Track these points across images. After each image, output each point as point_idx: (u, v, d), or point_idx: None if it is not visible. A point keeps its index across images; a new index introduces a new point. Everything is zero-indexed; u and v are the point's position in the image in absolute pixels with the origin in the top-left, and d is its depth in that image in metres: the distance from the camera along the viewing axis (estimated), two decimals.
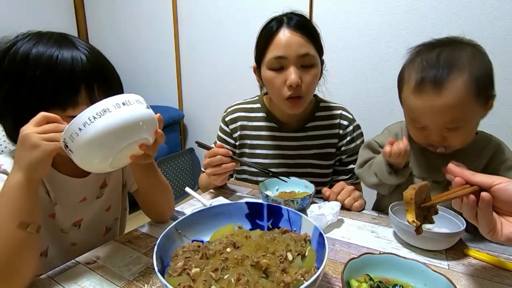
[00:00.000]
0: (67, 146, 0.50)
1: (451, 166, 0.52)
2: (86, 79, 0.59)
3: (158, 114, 0.59)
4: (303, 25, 0.90)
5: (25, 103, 0.57)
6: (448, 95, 0.65)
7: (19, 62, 0.57)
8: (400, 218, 0.66)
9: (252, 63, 1.00)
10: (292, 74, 0.87)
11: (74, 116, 0.49)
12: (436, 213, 0.54)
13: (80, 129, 0.48)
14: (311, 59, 0.90)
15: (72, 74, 0.58)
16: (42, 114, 0.52)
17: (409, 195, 0.49)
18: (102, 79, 0.62)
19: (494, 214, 0.47)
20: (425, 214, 0.52)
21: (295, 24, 0.89)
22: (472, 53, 0.68)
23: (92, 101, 0.59)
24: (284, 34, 0.88)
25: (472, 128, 0.72)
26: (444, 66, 0.67)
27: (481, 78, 0.66)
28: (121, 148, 0.53)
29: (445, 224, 0.69)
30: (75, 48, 0.60)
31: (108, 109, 0.49)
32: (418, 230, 0.50)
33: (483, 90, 0.67)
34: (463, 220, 0.65)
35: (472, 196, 0.47)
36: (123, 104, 0.51)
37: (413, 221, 0.49)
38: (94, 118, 0.48)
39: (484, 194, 0.46)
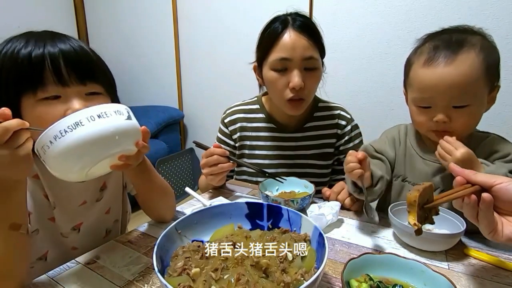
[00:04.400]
0: (40, 156, 0.48)
1: (453, 165, 0.52)
2: (49, 58, 0.56)
3: (144, 127, 0.57)
4: (308, 27, 0.90)
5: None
6: (460, 63, 0.66)
7: None
8: (399, 219, 0.66)
9: (252, 61, 1.00)
10: (295, 77, 0.87)
11: (46, 98, 0.48)
12: (437, 213, 0.54)
13: (51, 142, 0.46)
14: (315, 63, 0.90)
15: (33, 55, 0.55)
16: (2, 126, 0.46)
17: (413, 197, 0.49)
18: (72, 60, 0.58)
19: (495, 214, 0.47)
20: (426, 215, 0.52)
21: (300, 25, 0.88)
22: (482, 38, 0.70)
23: (60, 81, 0.56)
24: (290, 36, 0.87)
25: (477, 113, 0.70)
26: (457, 43, 0.68)
27: (490, 59, 0.67)
28: (97, 161, 0.51)
29: (445, 225, 0.69)
30: (47, 38, 0.58)
31: (80, 122, 0.46)
32: (419, 231, 0.50)
33: (492, 72, 0.67)
34: (463, 221, 0.65)
35: (473, 196, 0.47)
36: (98, 116, 0.48)
37: (415, 224, 0.49)
38: (65, 131, 0.46)
39: (485, 195, 0.46)
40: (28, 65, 0.55)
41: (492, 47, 0.69)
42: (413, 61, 0.75)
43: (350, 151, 0.72)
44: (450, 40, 0.69)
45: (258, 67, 0.97)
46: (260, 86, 1.05)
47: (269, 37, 0.91)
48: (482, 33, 0.71)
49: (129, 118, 0.53)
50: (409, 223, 0.50)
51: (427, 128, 0.74)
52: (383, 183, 0.73)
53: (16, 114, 0.53)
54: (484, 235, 0.49)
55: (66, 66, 0.57)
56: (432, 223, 0.54)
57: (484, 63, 0.66)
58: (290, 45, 0.87)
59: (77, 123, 0.46)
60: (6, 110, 0.45)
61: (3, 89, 0.56)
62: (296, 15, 0.92)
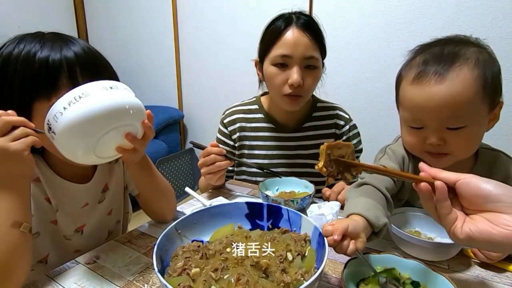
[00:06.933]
0: (50, 129, 0.48)
1: (422, 164, 0.47)
2: (66, 64, 0.57)
3: (149, 111, 0.59)
4: (311, 26, 0.91)
5: (10, 99, 0.56)
6: (451, 81, 0.58)
7: (1, 62, 0.57)
8: (397, 227, 0.64)
9: (254, 58, 1.01)
10: (295, 74, 0.88)
11: None
12: (358, 174, 0.58)
13: (64, 108, 0.47)
14: (315, 62, 0.91)
15: (50, 60, 0.56)
16: (3, 119, 0.49)
17: (323, 146, 0.56)
18: (86, 64, 0.59)
19: (460, 212, 0.43)
20: (341, 169, 0.56)
21: (304, 24, 0.89)
22: (479, 50, 0.61)
23: (75, 86, 0.56)
24: (293, 33, 0.89)
25: (476, 135, 0.62)
26: (449, 57, 0.60)
27: (487, 74, 0.58)
28: (107, 131, 0.52)
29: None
30: (61, 42, 0.59)
31: (94, 90, 0.49)
32: (328, 178, 0.56)
33: (490, 88, 0.59)
34: None
35: (424, 184, 0.43)
36: (111, 88, 0.51)
37: (321, 168, 0.54)
38: (80, 97, 0.48)
39: (437, 182, 0.42)
40: (46, 71, 0.56)
41: (489, 61, 0.60)
42: (403, 77, 0.67)
43: (326, 226, 0.51)
44: (441, 53, 0.61)
45: (260, 62, 0.99)
46: (260, 82, 1.05)
47: (272, 33, 0.92)
48: (480, 44, 0.63)
49: (136, 98, 0.56)
50: (317, 166, 0.55)
51: (420, 149, 0.66)
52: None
53: (28, 116, 0.55)
54: (448, 235, 0.44)
55: (81, 73, 0.58)
56: (346, 180, 0.57)
57: (480, 80, 0.58)
58: (292, 42, 0.88)
59: (91, 90, 0.49)
60: (10, 112, 0.51)
61: (17, 92, 0.56)
62: (300, 14, 0.93)
